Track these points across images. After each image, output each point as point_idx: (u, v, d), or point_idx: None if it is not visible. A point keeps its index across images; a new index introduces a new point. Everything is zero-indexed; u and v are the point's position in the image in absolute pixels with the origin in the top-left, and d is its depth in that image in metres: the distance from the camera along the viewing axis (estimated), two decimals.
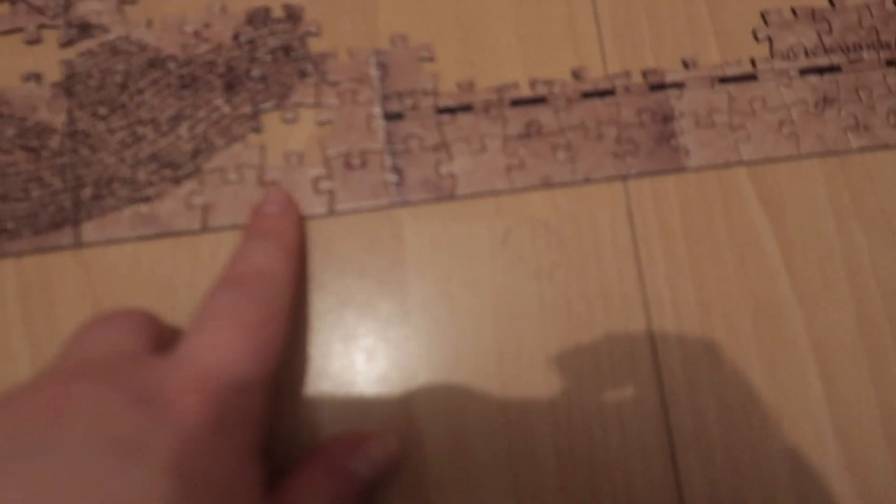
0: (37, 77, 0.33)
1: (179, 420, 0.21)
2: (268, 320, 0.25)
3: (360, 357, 0.31)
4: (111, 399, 0.20)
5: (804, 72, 0.36)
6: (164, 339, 0.26)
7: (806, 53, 0.36)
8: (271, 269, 0.27)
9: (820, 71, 0.36)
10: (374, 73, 0.34)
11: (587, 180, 0.34)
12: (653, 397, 0.31)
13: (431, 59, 0.35)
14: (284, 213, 0.31)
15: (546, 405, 0.31)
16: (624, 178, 0.34)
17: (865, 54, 0.36)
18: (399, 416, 0.31)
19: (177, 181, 0.32)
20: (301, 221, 0.32)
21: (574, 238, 0.33)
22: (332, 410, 0.31)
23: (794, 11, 0.37)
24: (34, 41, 0.34)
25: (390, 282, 0.32)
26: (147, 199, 0.32)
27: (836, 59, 0.36)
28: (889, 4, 0.37)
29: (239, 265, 0.27)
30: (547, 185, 0.33)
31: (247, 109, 0.34)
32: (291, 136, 0.34)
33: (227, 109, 0.33)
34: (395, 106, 0.34)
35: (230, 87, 0.34)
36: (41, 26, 0.34)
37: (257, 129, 0.33)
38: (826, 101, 0.35)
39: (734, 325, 0.33)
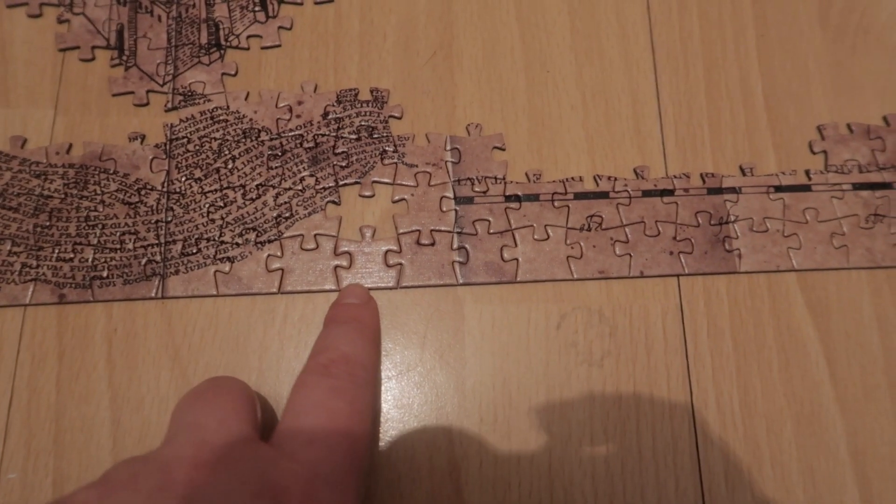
0: (141, 138, 0.36)
1: None
2: (358, 416, 0.27)
3: (415, 425, 0.33)
4: (238, 490, 0.22)
5: (857, 186, 0.38)
6: (259, 415, 0.28)
7: (860, 169, 0.38)
8: (355, 355, 0.29)
9: (872, 187, 0.38)
10: (449, 157, 0.37)
11: (643, 275, 0.35)
12: (692, 493, 0.32)
13: (503, 149, 0.37)
14: (365, 303, 0.33)
15: (590, 492, 0.32)
16: (678, 275, 0.36)
17: None
18: (448, 490, 0.32)
19: (259, 245, 0.35)
20: (378, 313, 0.34)
21: (626, 329, 0.35)
22: (386, 477, 0.32)
23: (849, 127, 0.39)
24: (142, 104, 0.37)
25: (449, 356, 0.34)
26: (230, 260, 0.35)
27: (889, 176, 0.38)
28: None
29: (325, 352, 0.29)
30: (604, 276, 0.35)
31: (329, 183, 0.36)
32: (368, 211, 0.36)
33: (311, 182, 0.36)
34: (466, 191, 0.36)
35: (315, 161, 0.36)
36: (150, 91, 0.37)
37: (337, 202, 0.36)
38: (877, 217, 0.37)
39: (776, 427, 0.34)
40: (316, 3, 0.39)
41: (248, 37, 0.38)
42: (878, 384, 0.35)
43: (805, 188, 0.37)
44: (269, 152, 0.36)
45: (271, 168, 0.36)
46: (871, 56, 0.40)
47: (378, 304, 0.34)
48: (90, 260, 0.34)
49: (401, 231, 0.36)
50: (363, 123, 0.37)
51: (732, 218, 0.37)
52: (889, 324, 0.36)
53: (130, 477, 0.22)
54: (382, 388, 0.34)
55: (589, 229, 0.36)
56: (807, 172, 0.38)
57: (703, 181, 0.37)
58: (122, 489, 0.22)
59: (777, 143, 0.38)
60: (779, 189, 0.37)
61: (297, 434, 0.26)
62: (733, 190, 0.37)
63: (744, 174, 0.38)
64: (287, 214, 0.36)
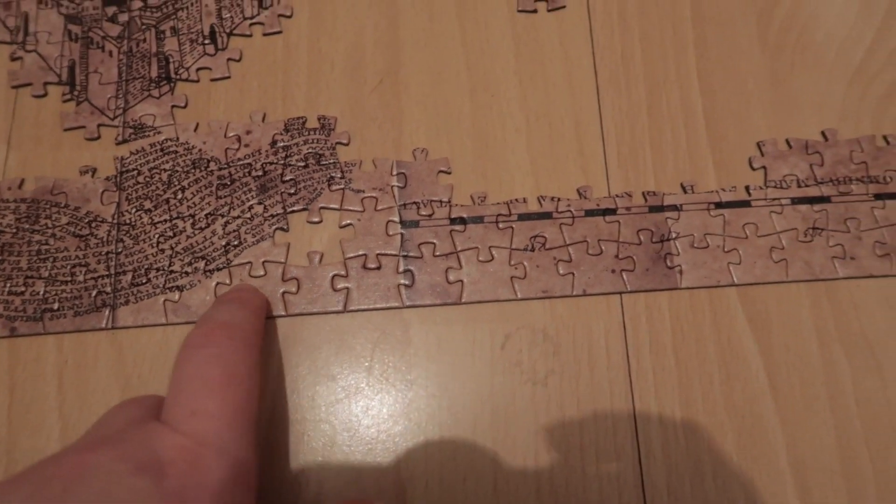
0: (93, 171, 0.37)
1: (172, 486, 0.24)
2: (235, 380, 0.27)
3: (362, 448, 0.34)
4: (117, 468, 0.23)
5: (795, 201, 0.38)
6: None
7: (798, 183, 0.39)
8: (234, 321, 0.30)
9: (811, 201, 0.38)
10: (395, 182, 0.38)
11: (585, 294, 0.36)
12: None
13: (449, 172, 0.38)
14: (250, 290, 0.34)
15: None
16: (621, 293, 0.36)
17: (854, 187, 0.39)
18: None
19: (208, 273, 0.36)
20: (265, 298, 0.35)
21: (569, 347, 0.36)
22: (336, 495, 0.33)
23: (788, 143, 0.40)
24: (94, 138, 0.38)
25: (395, 378, 0.35)
26: (179, 289, 0.35)
27: (827, 190, 0.39)
28: (879, 140, 0.40)
29: (204, 324, 0.30)
30: (548, 296, 0.36)
31: (277, 210, 0.37)
32: (315, 237, 0.37)
33: (259, 210, 0.37)
34: (412, 214, 0.37)
35: (264, 190, 0.37)
36: (101, 125, 0.38)
37: (285, 229, 0.37)
38: (815, 230, 0.38)
39: (717, 440, 0.34)
40: (264, 35, 0.40)
41: (198, 69, 0.39)
42: (818, 395, 0.35)
43: (745, 204, 0.38)
44: (218, 182, 0.37)
45: (220, 197, 0.37)
46: (808, 73, 0.41)
47: (324, 329, 0.35)
48: (41, 293, 0.35)
49: (348, 256, 0.36)
50: (311, 151, 0.38)
51: (674, 235, 0.37)
52: (828, 335, 0.36)
53: (23, 473, 0.23)
54: (330, 410, 0.34)
55: (532, 250, 0.37)
56: (747, 188, 0.39)
57: (645, 199, 0.38)
58: (9, 484, 0.23)
59: (717, 160, 0.39)
60: (719, 205, 0.38)
61: (179, 408, 0.26)
62: (674, 207, 0.38)
63: (685, 192, 0.38)
64: (236, 242, 0.36)
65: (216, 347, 0.28)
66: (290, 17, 0.41)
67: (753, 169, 0.39)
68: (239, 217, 0.37)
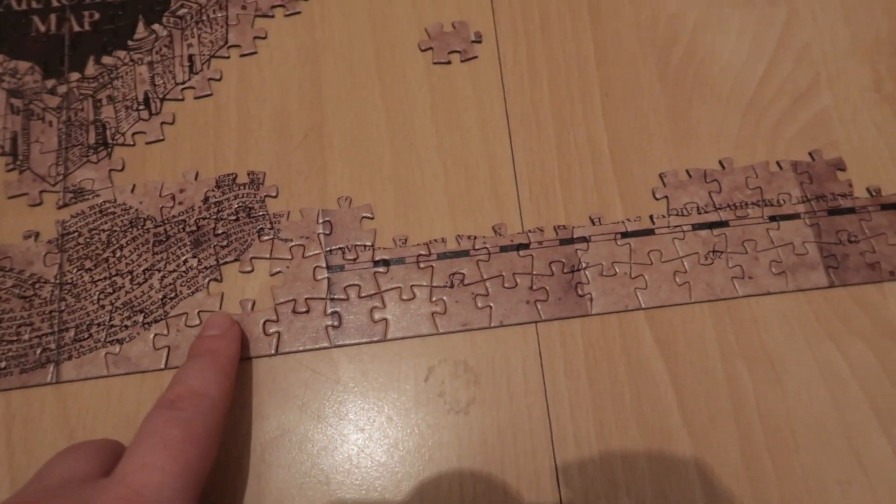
0: (35, 235, 0.40)
1: None
2: (192, 441, 0.29)
3: (296, 483, 0.36)
4: None
5: (696, 227, 0.41)
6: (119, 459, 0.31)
7: (698, 210, 0.42)
8: (203, 387, 0.32)
9: (710, 226, 0.41)
10: (321, 230, 0.40)
11: (502, 325, 0.39)
12: None
13: (371, 218, 0.41)
14: (224, 333, 0.36)
15: None
16: (535, 322, 0.39)
17: (751, 210, 0.42)
18: None
19: (146, 325, 0.38)
20: (241, 338, 0.37)
21: (489, 376, 0.38)
22: None
23: (688, 173, 0.43)
24: (36, 204, 0.40)
25: (327, 415, 0.37)
26: (120, 341, 0.38)
27: (725, 215, 0.42)
28: (772, 166, 0.43)
29: (174, 387, 0.32)
30: (467, 329, 0.38)
31: (211, 262, 0.39)
32: (248, 285, 0.39)
33: (193, 263, 0.39)
34: (337, 259, 0.40)
35: (198, 244, 0.40)
36: (43, 191, 0.41)
37: (218, 280, 0.39)
38: (715, 253, 0.41)
39: (630, 456, 0.37)
40: (196, 98, 0.43)
41: (134, 134, 0.42)
42: (723, 408, 0.38)
43: (649, 232, 0.41)
44: (155, 239, 0.40)
45: (156, 253, 0.39)
46: (706, 106, 0.44)
47: (257, 372, 0.37)
48: None
49: (278, 301, 0.39)
50: (241, 205, 0.41)
51: (584, 265, 0.40)
52: (730, 351, 0.39)
53: None
54: (266, 448, 0.36)
55: (452, 286, 0.39)
56: (651, 217, 0.41)
57: (556, 233, 0.41)
58: None
59: (623, 192, 0.42)
60: (625, 235, 0.41)
61: (131, 461, 0.28)
62: (584, 239, 0.41)
63: (593, 224, 0.41)
64: (172, 295, 0.39)
65: (181, 412, 0.30)
66: (219, 80, 0.44)
67: (656, 199, 0.42)
68: (175, 271, 0.39)
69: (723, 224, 0.41)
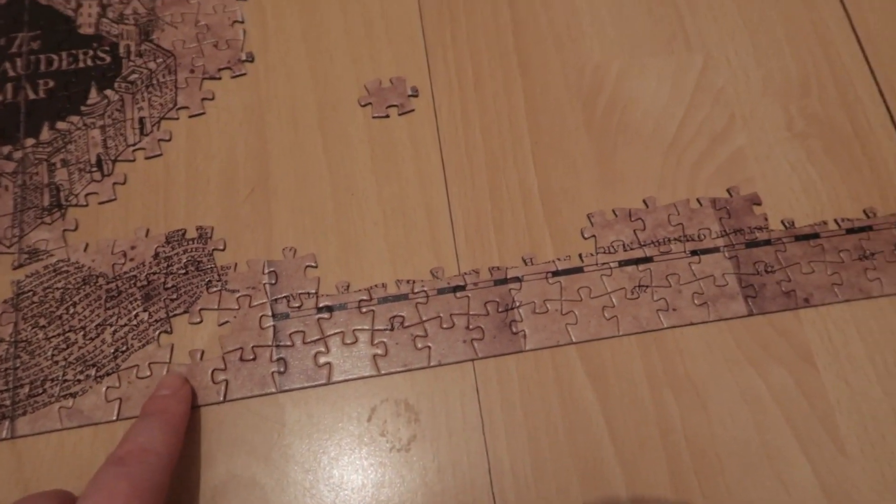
0: None
1: None
2: (138, 494, 0.31)
3: None
4: None
5: (623, 263, 0.44)
6: None
7: (624, 247, 0.44)
8: (152, 444, 0.34)
9: (636, 262, 0.44)
10: (267, 280, 0.42)
11: (441, 364, 0.41)
12: None
13: (315, 266, 0.43)
14: (174, 393, 0.38)
15: None
16: (472, 360, 0.41)
17: (673, 246, 0.44)
18: None
19: (99, 379, 0.40)
20: (191, 398, 0.39)
21: (429, 414, 0.40)
22: None
23: (614, 212, 0.45)
24: None
25: (274, 458, 0.39)
26: (73, 395, 0.39)
27: (649, 251, 0.44)
28: (693, 203, 0.46)
29: (123, 445, 0.34)
30: (407, 369, 0.40)
31: (161, 315, 0.41)
32: (197, 336, 0.41)
33: (144, 316, 0.41)
34: (282, 307, 0.42)
35: (148, 298, 0.42)
36: None
37: (168, 332, 0.41)
38: (641, 288, 0.43)
39: (564, 485, 0.39)
40: (147, 159, 0.45)
41: (87, 195, 0.44)
42: (651, 435, 0.40)
43: (578, 270, 0.44)
44: (107, 295, 0.42)
45: (108, 308, 0.41)
46: (629, 149, 0.47)
47: (205, 419, 0.39)
48: None
49: (226, 350, 0.41)
50: (190, 259, 0.43)
51: (517, 304, 0.42)
52: (657, 380, 0.41)
53: None
54: (216, 494, 0.38)
55: (392, 329, 0.41)
56: (580, 256, 0.44)
57: (491, 274, 0.43)
58: None
59: (553, 233, 0.45)
60: (556, 273, 0.43)
61: None
62: (517, 279, 0.43)
63: (526, 264, 0.44)
64: (123, 348, 0.40)
65: (129, 467, 0.32)
66: (169, 140, 0.46)
67: (585, 238, 0.45)
68: (126, 325, 0.41)
69: (647, 260, 0.44)
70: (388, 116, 0.47)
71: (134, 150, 0.46)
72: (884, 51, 0.51)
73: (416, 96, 0.48)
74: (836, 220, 0.46)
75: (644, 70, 0.50)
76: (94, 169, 0.45)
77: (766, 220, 0.45)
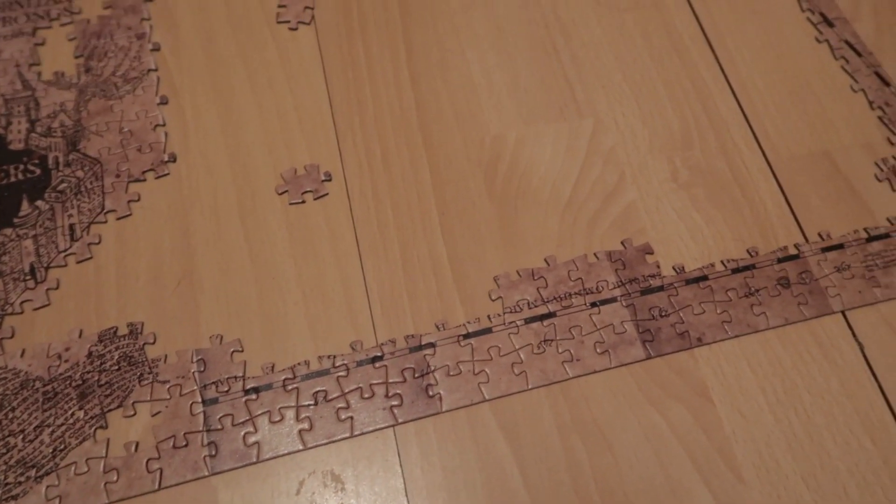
0: None
1: None
2: None
3: None
4: None
5: (528, 320, 0.47)
6: None
7: (529, 305, 0.48)
8: None
9: (541, 318, 0.47)
10: (195, 368, 0.45)
11: (363, 433, 0.44)
12: None
13: (241, 350, 0.46)
14: None
15: None
16: (393, 426, 0.44)
17: (574, 300, 0.48)
18: None
19: (38, 479, 0.42)
20: None
21: (354, 481, 0.43)
22: None
23: (518, 273, 0.49)
24: None
25: None
26: (14, 497, 0.41)
27: (553, 306, 0.48)
28: (590, 258, 0.50)
29: None
30: (331, 441, 0.43)
31: (96, 412, 0.44)
32: (131, 428, 0.44)
33: (80, 414, 0.44)
34: (211, 393, 0.44)
35: (83, 396, 0.44)
36: None
37: (104, 427, 0.43)
38: (546, 342, 0.47)
39: None
40: (78, 263, 0.48)
41: (22, 302, 0.47)
42: (562, 480, 0.43)
43: (488, 331, 0.47)
44: (44, 397, 0.44)
45: (45, 410, 0.44)
46: (529, 212, 0.51)
47: (138, 501, 0.41)
48: None
49: (159, 440, 0.43)
50: (122, 354, 0.45)
51: (432, 368, 0.46)
52: (566, 428, 0.44)
53: None
54: None
55: (316, 403, 0.44)
56: (489, 317, 0.47)
57: (407, 342, 0.46)
58: None
59: (463, 298, 0.48)
60: (467, 336, 0.47)
61: None
62: (431, 345, 0.46)
63: (438, 329, 0.47)
64: (61, 447, 0.43)
65: None
66: (98, 243, 0.49)
67: (492, 300, 0.48)
68: (63, 424, 0.43)
69: (551, 315, 0.48)
70: (304, 202, 0.51)
71: (65, 256, 0.48)
72: (756, 99, 0.56)
73: (330, 180, 0.52)
74: (722, 262, 0.50)
75: (539, 137, 0.54)
76: (28, 277, 0.48)
77: (659, 267, 0.49)
